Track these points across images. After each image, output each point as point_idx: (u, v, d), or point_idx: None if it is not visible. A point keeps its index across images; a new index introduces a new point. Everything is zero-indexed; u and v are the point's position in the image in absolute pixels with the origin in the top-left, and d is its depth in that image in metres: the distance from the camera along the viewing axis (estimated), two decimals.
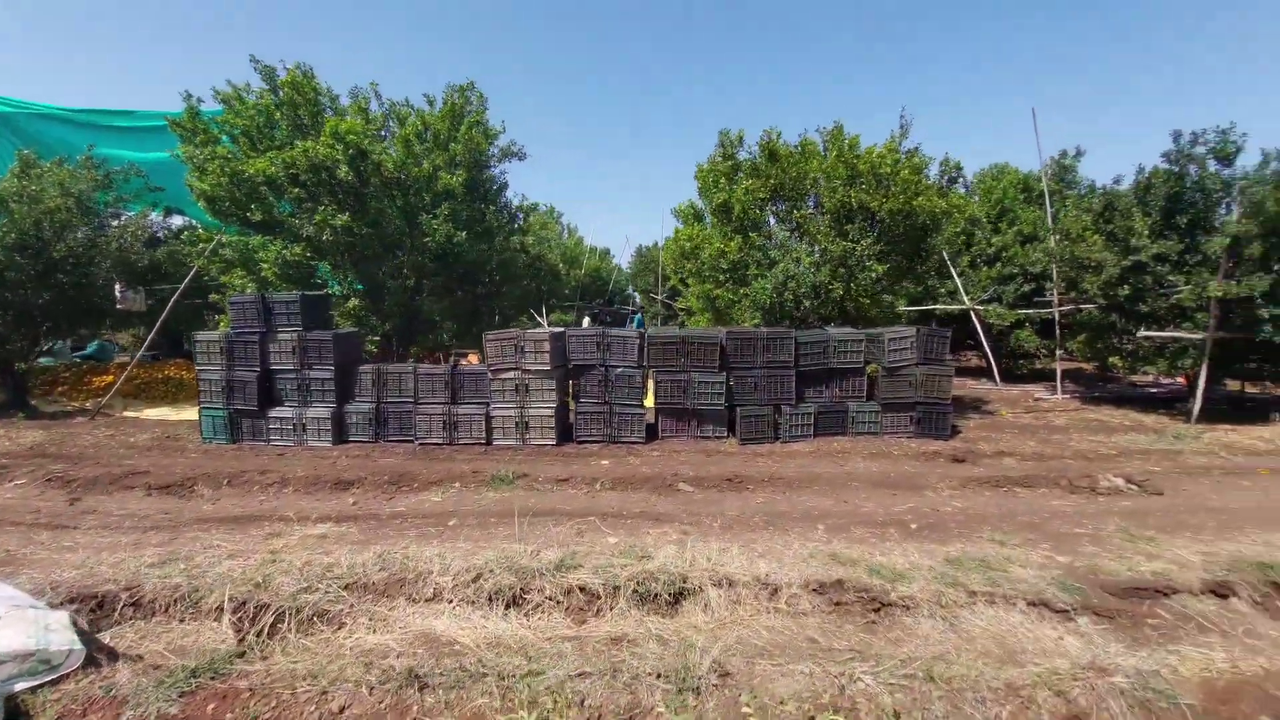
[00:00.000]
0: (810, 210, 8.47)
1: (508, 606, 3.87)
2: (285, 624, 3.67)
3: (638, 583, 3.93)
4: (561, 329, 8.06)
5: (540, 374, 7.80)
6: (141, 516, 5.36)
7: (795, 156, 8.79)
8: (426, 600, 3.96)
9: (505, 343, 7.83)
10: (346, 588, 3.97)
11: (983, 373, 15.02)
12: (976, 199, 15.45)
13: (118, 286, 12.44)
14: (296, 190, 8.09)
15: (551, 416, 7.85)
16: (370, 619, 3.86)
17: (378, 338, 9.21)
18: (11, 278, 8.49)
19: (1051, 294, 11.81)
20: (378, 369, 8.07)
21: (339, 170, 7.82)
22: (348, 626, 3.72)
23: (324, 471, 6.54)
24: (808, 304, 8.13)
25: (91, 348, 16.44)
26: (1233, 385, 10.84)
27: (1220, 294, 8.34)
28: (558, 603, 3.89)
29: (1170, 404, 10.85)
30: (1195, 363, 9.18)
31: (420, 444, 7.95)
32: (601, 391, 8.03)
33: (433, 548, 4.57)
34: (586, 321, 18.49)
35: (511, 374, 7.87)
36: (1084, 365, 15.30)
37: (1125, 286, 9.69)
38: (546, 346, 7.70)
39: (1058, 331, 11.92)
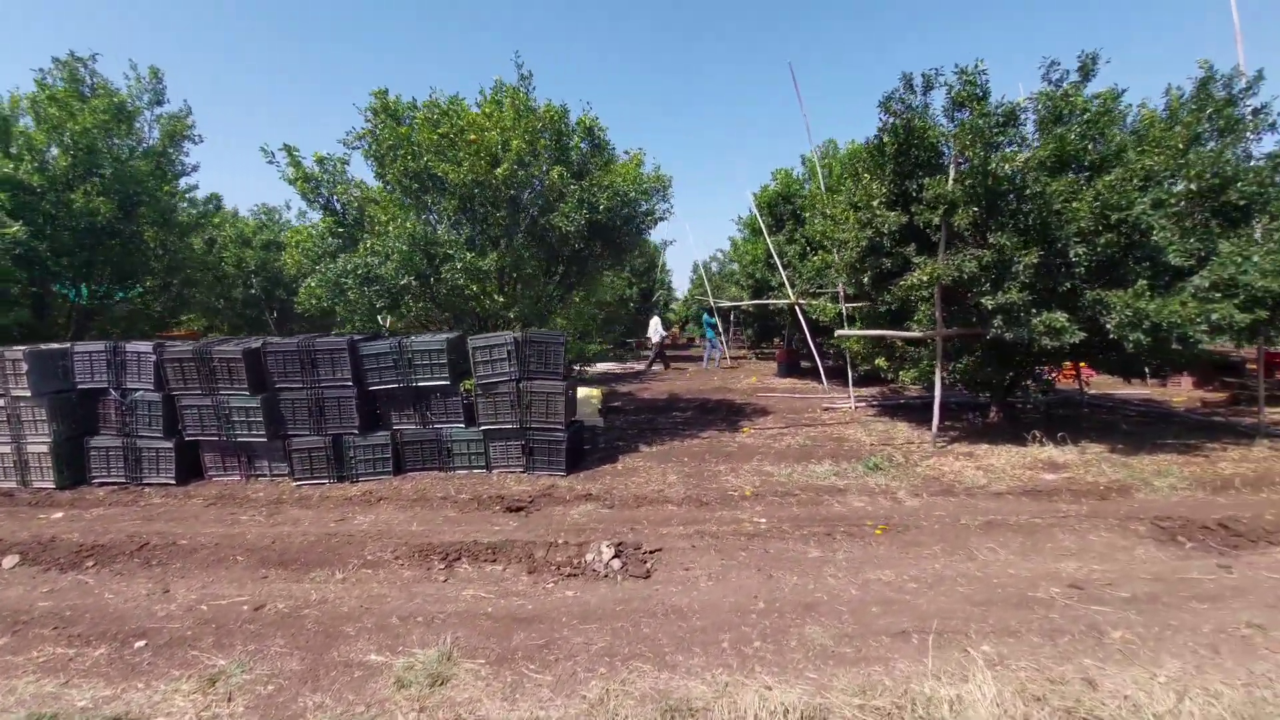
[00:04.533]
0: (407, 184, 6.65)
1: None
2: None
3: None
4: (62, 346, 6.45)
5: (28, 400, 6.21)
6: None
7: (415, 121, 6.99)
8: None
9: None
10: None
11: (835, 374, 12.87)
12: (808, 181, 13.35)
13: None
14: None
15: (48, 453, 6.26)
16: None
17: None
18: None
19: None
20: None
21: None
22: None
23: None
24: (382, 307, 6.35)
25: None
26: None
27: (926, 278, 6.28)
28: None
29: (984, 411, 8.68)
30: (928, 368, 7.11)
31: None
32: (121, 422, 6.41)
33: None
34: (656, 323, 16.80)
35: (1, 401, 6.30)
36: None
37: (866, 272, 7.66)
38: (24, 366, 6.10)
39: (846, 327, 9.83)
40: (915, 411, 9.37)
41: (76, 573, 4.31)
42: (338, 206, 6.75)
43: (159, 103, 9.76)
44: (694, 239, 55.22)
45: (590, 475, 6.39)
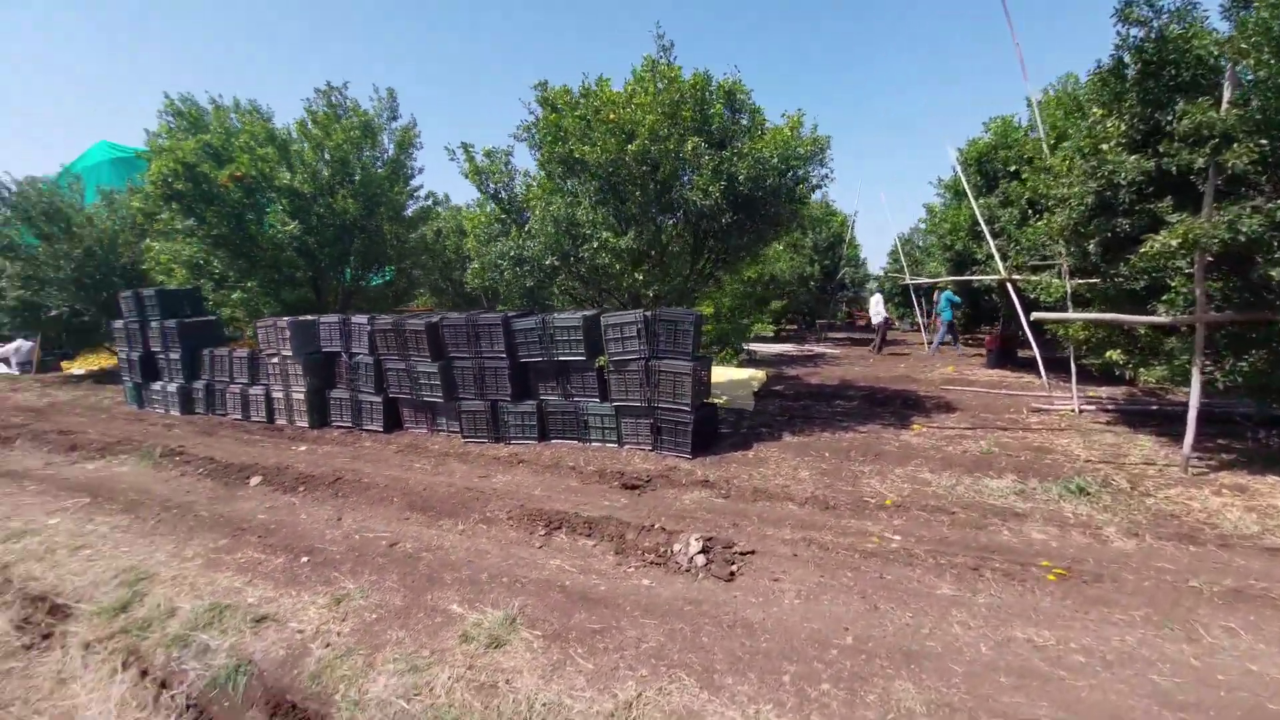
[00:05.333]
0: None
1: None
2: None
3: None
4: (313, 318, 8.20)
5: (289, 359, 8.09)
6: None
7: (569, 106, 7.26)
8: None
9: (269, 329, 8.30)
10: None
11: (1055, 364, 10.50)
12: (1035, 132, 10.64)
13: None
14: (173, 203, 9.64)
15: (303, 400, 8.11)
16: None
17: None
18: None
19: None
20: (209, 352, 9.29)
21: (177, 183, 9.11)
22: None
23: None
24: (532, 286, 6.70)
25: None
26: None
27: (1178, 242, 4.55)
28: None
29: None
30: (1183, 366, 5.19)
31: (235, 420, 8.95)
32: (347, 378, 8.00)
33: None
34: (877, 301, 17.70)
35: (277, 359, 8.32)
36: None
37: (1092, 237, 5.93)
38: (287, 334, 7.95)
39: (1070, 310, 7.75)
40: (1171, 423, 7.07)
41: (291, 495, 5.51)
42: (503, 195, 7.43)
43: (394, 118, 11.78)
44: (890, 210, 49.05)
45: (716, 461, 6.13)
